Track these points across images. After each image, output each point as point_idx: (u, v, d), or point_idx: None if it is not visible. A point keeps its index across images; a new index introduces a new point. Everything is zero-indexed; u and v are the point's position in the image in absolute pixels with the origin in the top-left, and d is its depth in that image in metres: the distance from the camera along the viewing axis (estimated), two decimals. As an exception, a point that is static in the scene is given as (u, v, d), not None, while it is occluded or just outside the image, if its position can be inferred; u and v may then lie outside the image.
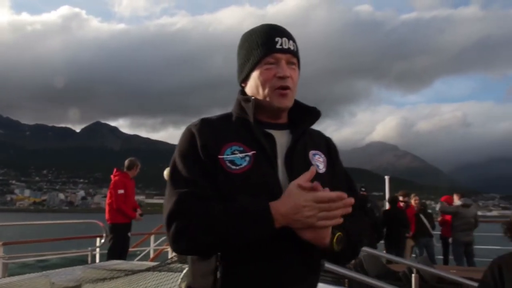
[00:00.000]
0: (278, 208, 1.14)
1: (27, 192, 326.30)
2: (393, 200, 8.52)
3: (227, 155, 1.23)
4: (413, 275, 4.26)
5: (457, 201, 8.88)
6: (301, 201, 1.14)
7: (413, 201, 9.32)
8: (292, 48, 1.31)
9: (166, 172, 11.75)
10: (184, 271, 3.51)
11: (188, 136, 1.27)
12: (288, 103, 1.31)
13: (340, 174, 1.43)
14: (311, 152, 1.35)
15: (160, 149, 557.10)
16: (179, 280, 3.49)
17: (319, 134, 1.47)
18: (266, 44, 1.29)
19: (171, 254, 7.48)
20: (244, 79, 1.36)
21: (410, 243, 8.64)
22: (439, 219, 9.23)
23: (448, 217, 8.96)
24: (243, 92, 1.37)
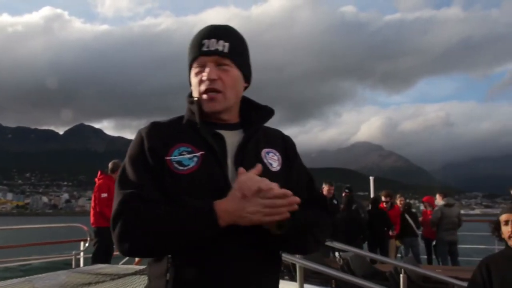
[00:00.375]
0: (223, 206, 1.13)
1: (9, 196, 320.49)
2: (375, 201, 8.58)
3: (175, 156, 1.22)
4: (401, 275, 4.28)
5: (440, 200, 8.98)
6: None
7: (398, 201, 9.38)
8: (220, 48, 1.26)
9: None
10: None
11: (138, 140, 1.27)
12: (217, 106, 1.27)
13: (298, 172, 1.39)
14: (264, 151, 1.32)
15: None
16: None
17: (276, 132, 1.43)
18: (194, 47, 1.29)
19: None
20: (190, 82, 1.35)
21: (393, 243, 8.71)
22: (420, 219, 9.35)
23: (428, 217, 9.11)
24: (192, 94, 1.34)
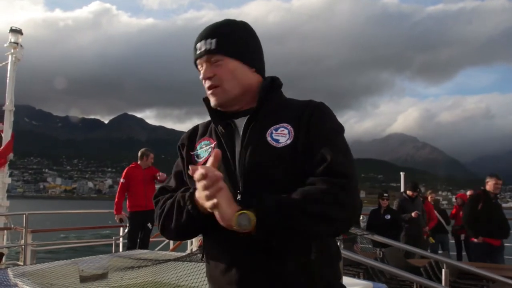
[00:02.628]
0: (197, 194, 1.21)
1: (58, 181, 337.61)
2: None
3: (196, 150, 1.38)
4: (443, 270, 4.08)
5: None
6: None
7: (429, 197, 9.00)
8: (208, 47, 1.33)
9: None
10: None
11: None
12: (219, 99, 1.34)
13: (308, 146, 1.24)
14: (273, 127, 1.29)
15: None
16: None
17: (300, 103, 1.35)
18: (193, 53, 1.39)
19: (190, 245, 7.44)
20: None
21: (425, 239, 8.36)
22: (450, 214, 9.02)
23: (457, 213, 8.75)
24: None
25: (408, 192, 7.86)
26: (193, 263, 4.33)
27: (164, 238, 8.84)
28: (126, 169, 6.99)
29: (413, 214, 7.38)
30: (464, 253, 8.92)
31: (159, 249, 7.97)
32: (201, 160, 1.34)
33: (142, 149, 7.05)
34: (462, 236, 8.84)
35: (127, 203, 6.76)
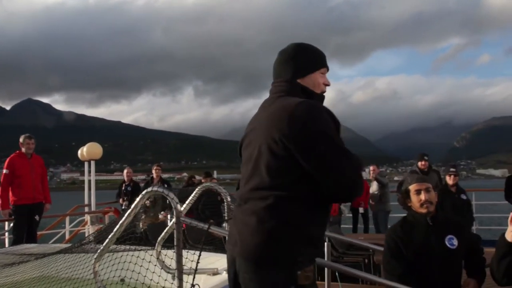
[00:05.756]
0: None
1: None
2: None
3: None
4: (325, 243, 4.43)
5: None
6: None
7: None
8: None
9: (80, 152, 11.01)
10: (99, 251, 3.40)
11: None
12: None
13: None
14: None
15: (96, 126, 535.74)
16: (93, 260, 3.39)
17: (282, 110, 1.68)
18: (324, 59, 1.87)
19: (87, 235, 7.32)
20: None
21: None
22: None
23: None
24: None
25: None
26: (85, 253, 4.29)
27: (59, 230, 8.56)
28: (8, 158, 6.43)
29: None
30: (360, 226, 9.48)
31: (53, 242, 7.71)
32: None
33: (22, 135, 6.60)
34: (361, 209, 9.36)
35: (11, 195, 6.25)
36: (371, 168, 9.27)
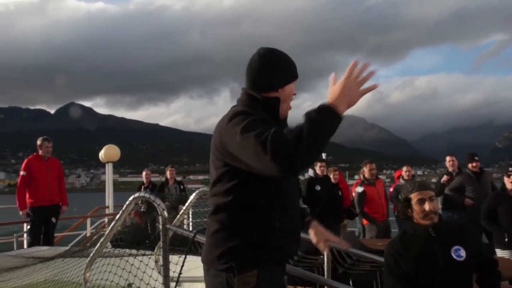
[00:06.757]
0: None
1: (2, 175, 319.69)
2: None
3: None
4: (325, 253, 4.20)
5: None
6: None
7: (332, 175, 8.06)
8: None
9: (102, 152, 11.09)
10: (91, 255, 3.36)
11: None
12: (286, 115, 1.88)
13: None
14: None
15: (135, 129, 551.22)
16: (84, 265, 3.35)
17: None
18: (294, 71, 1.91)
19: (86, 239, 7.29)
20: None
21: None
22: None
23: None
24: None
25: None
26: (77, 258, 4.26)
27: (79, 232, 8.63)
28: (25, 160, 6.53)
29: None
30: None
31: (74, 244, 7.78)
32: None
33: (40, 138, 6.66)
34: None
35: (27, 197, 6.33)
36: (405, 169, 8.72)
